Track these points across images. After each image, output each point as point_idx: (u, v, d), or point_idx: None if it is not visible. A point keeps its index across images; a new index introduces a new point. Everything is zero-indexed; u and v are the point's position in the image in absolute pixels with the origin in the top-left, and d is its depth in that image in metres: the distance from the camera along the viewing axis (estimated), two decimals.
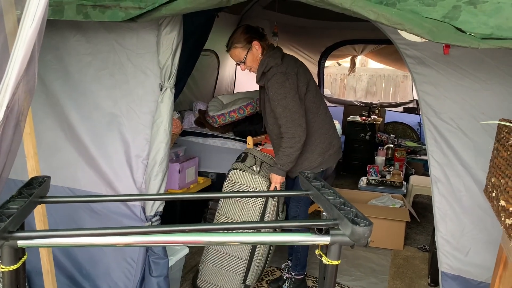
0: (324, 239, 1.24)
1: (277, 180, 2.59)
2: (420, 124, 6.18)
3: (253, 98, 4.34)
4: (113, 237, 1.12)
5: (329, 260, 1.27)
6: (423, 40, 1.91)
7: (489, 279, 1.80)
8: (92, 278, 2.33)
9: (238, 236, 1.26)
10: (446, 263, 1.90)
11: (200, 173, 3.95)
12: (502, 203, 1.18)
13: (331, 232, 1.23)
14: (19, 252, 1.13)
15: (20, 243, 1.09)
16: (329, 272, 1.29)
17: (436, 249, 2.48)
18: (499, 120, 1.44)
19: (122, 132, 2.35)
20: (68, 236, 1.06)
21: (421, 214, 4.41)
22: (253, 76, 6.71)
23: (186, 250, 2.72)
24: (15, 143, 0.98)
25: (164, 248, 2.33)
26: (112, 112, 2.35)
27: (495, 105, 1.80)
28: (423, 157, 5.32)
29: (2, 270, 1.12)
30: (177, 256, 2.59)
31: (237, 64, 2.71)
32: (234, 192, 2.68)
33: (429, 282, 3.15)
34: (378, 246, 3.69)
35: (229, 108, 4.30)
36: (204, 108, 4.59)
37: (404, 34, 1.97)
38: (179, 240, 1.20)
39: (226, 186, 2.77)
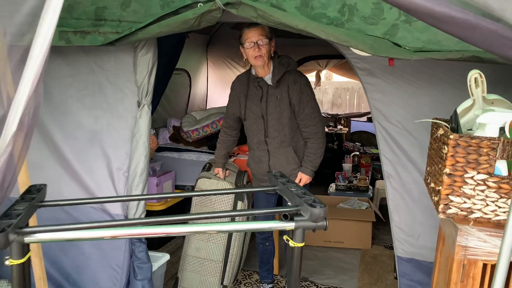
0: (289, 225, 1.45)
1: (308, 180, 2.71)
2: None
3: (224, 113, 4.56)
4: (111, 230, 1.30)
5: (294, 243, 1.48)
6: (369, 54, 2.20)
7: None
8: (79, 285, 2.46)
9: (215, 226, 1.45)
10: (401, 248, 2.15)
11: (177, 187, 4.11)
12: (432, 185, 1.43)
13: (295, 218, 1.45)
14: (25, 247, 1.30)
15: (27, 239, 1.26)
16: (295, 253, 1.50)
17: None
18: (432, 119, 1.71)
19: (103, 147, 2.52)
20: (72, 230, 1.24)
21: (387, 215, 4.68)
22: (224, 92, 6.86)
23: (167, 257, 2.89)
24: (24, 151, 1.17)
25: (147, 253, 2.50)
26: (93, 129, 2.52)
27: (433, 107, 2.07)
28: None
29: (11, 263, 1.29)
30: (158, 263, 2.75)
31: (253, 43, 2.46)
32: (208, 190, 2.88)
33: (395, 276, 3.39)
34: (348, 246, 3.93)
35: (202, 123, 4.50)
36: (178, 124, 4.77)
37: (353, 49, 2.25)
38: (168, 231, 1.37)
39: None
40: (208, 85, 6.25)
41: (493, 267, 1.40)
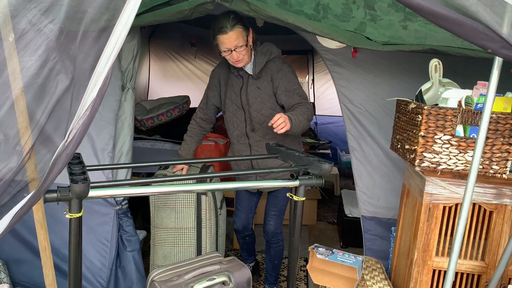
0: (294, 183, 1.77)
1: (287, 121, 2.12)
2: (316, 123, 7.08)
3: (178, 102, 4.74)
4: (169, 187, 1.52)
5: (298, 198, 1.80)
6: (337, 47, 2.58)
7: (395, 216, 2.50)
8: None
9: (219, 184, 1.67)
10: (365, 208, 2.57)
11: (134, 174, 4.24)
12: (407, 147, 1.83)
13: (299, 177, 1.77)
14: (81, 204, 1.48)
15: (95, 193, 1.45)
16: (298, 206, 1.83)
17: (344, 217, 3.21)
18: (397, 98, 2.13)
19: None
20: (130, 185, 1.45)
21: (328, 194, 5.20)
22: (166, 84, 6.86)
23: (143, 234, 3.06)
24: (95, 114, 1.37)
25: (133, 227, 2.67)
26: None
27: (389, 92, 2.51)
28: (321, 151, 6.18)
29: (70, 217, 1.46)
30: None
31: (230, 51, 2.27)
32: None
33: (341, 245, 3.87)
34: None
35: (155, 112, 4.65)
36: None
37: (322, 42, 2.61)
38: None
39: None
40: (150, 77, 6.33)
41: (450, 208, 1.85)
